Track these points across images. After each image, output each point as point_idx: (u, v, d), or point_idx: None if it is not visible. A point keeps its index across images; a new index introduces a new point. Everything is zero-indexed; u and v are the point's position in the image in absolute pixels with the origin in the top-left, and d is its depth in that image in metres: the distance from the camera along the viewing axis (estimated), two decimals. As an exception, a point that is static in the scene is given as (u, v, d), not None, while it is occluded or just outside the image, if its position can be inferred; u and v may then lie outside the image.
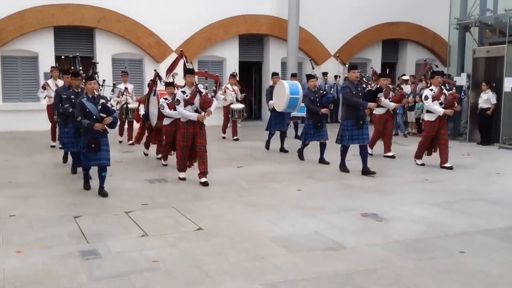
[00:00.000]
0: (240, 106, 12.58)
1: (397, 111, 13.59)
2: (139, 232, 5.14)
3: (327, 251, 4.61)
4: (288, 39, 15.26)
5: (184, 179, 7.50)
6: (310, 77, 9.46)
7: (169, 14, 14.57)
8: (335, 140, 8.30)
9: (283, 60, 15.94)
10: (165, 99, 8.22)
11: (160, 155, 9.21)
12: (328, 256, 4.51)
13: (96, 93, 6.63)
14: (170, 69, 8.78)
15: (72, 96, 7.65)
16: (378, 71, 17.34)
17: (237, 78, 13.44)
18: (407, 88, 13.74)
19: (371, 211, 5.88)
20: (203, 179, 7.23)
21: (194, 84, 7.21)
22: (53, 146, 10.81)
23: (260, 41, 16.64)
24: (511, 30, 12.13)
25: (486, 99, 12.03)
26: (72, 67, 8.71)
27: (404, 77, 14.67)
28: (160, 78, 9.07)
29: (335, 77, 16.60)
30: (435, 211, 6.04)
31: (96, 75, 7.87)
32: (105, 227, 5.34)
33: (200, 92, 7.16)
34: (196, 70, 9.42)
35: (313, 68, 10.36)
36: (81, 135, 7.02)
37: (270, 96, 10.73)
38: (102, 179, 6.62)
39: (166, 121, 8.35)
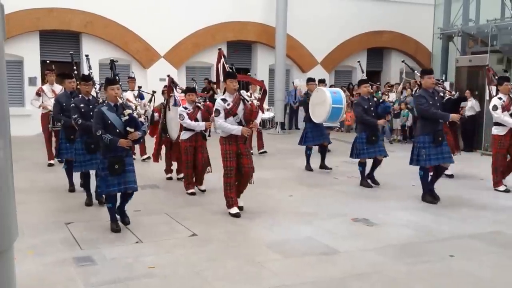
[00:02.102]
0: (270, 115, 11.31)
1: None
2: (133, 238, 5.15)
3: (322, 256, 4.68)
4: (276, 46, 15.40)
5: (238, 215, 5.88)
6: (362, 82, 7.95)
7: (157, 19, 14.57)
8: (409, 161, 6.85)
9: (271, 67, 16.07)
10: (185, 108, 7.00)
11: (181, 175, 7.90)
12: (323, 260, 4.58)
13: (120, 100, 5.31)
14: (218, 74, 7.61)
15: (82, 105, 6.31)
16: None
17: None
18: (392, 96, 13.96)
19: (362, 217, 5.98)
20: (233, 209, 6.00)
21: (237, 90, 5.94)
22: (51, 165, 9.18)
23: (248, 48, 16.75)
24: (493, 40, 12.44)
25: (470, 106, 12.29)
26: (76, 71, 7.67)
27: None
28: (175, 85, 7.94)
29: (320, 81, 16.76)
30: (424, 216, 6.16)
31: (117, 78, 6.66)
32: (98, 234, 5.32)
33: (245, 101, 5.95)
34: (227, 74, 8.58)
35: (362, 71, 8.80)
36: (90, 152, 6.22)
37: (305, 106, 9.29)
38: (123, 203, 5.51)
39: (184, 135, 7.04)
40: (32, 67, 13.89)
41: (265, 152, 10.83)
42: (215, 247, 4.93)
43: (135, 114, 5.30)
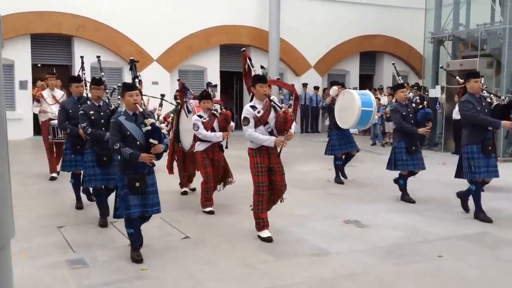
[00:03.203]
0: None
1: (377, 122, 13.95)
2: (125, 241, 5.15)
3: (313, 257, 4.75)
4: (269, 50, 15.50)
5: (270, 239, 5.18)
6: (399, 87, 7.28)
7: (150, 23, 14.59)
8: (457, 175, 6.34)
9: (264, 71, 16.15)
10: (200, 116, 6.31)
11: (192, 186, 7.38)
12: (314, 262, 4.64)
13: (140, 108, 4.59)
14: (246, 77, 6.97)
15: (92, 112, 5.63)
16: (355, 83, 17.83)
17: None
18: (384, 99, 14.08)
19: (353, 219, 6.05)
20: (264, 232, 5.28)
21: (268, 96, 5.23)
22: (53, 178, 8.35)
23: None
24: (483, 44, 12.59)
25: (458, 110, 12.41)
26: (84, 72, 7.05)
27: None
28: (187, 90, 7.27)
29: (315, 88, 16.90)
30: (413, 217, 6.24)
31: (138, 80, 6.17)
32: (91, 237, 5.36)
33: (277, 107, 5.22)
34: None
35: (398, 75, 8.04)
36: (102, 164, 5.57)
37: (330, 111, 8.49)
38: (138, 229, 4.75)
39: (199, 146, 6.36)
40: (23, 71, 13.86)
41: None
42: (207, 249, 4.98)
43: (157, 124, 4.63)
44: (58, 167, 7.97)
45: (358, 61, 18.14)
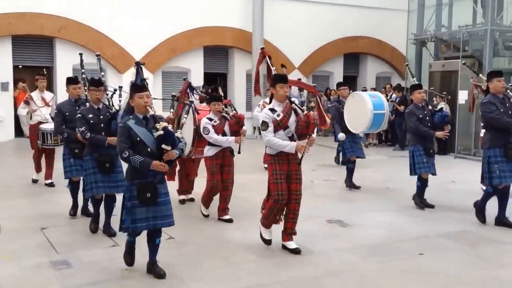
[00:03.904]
0: None
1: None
2: (109, 242, 5.17)
3: (296, 257, 4.79)
4: (253, 52, 15.52)
5: (270, 241, 5.01)
6: (416, 87, 6.84)
7: (133, 24, 14.52)
8: (481, 180, 5.99)
9: (248, 72, 16.18)
10: (210, 119, 5.88)
11: (190, 196, 6.93)
12: (297, 260, 4.69)
13: (151, 111, 4.22)
14: (258, 77, 6.51)
15: (90, 115, 5.23)
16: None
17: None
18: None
19: (336, 218, 6.12)
20: (290, 243, 4.95)
21: (288, 98, 4.87)
22: (35, 181, 8.06)
23: (225, 52, 16.84)
24: (465, 45, 12.81)
25: (441, 110, 12.60)
26: (83, 71, 6.63)
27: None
28: (193, 90, 6.82)
29: (299, 89, 16.96)
30: (394, 217, 6.33)
31: (145, 82, 5.78)
32: (74, 238, 5.35)
33: (299, 110, 4.84)
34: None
35: (413, 76, 7.56)
36: (104, 171, 5.22)
37: (338, 115, 7.91)
38: (154, 248, 4.31)
39: (209, 151, 5.94)
40: (4, 72, 13.68)
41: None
42: (191, 249, 5.00)
43: (170, 128, 4.21)
44: (52, 179, 7.80)
45: (342, 62, 18.26)
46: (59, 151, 6.64)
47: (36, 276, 4.27)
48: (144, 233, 4.28)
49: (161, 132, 4.03)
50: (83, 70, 6.50)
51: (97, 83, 5.37)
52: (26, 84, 10.96)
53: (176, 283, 4.11)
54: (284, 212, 4.94)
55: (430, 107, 6.85)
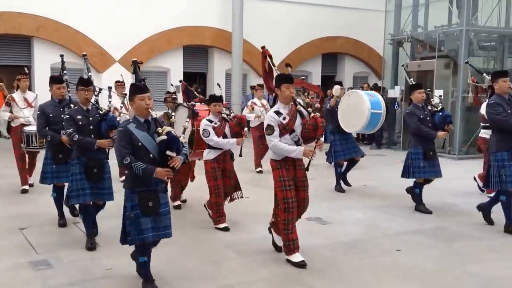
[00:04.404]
0: None
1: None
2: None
3: (277, 254, 4.85)
4: (233, 51, 15.57)
5: (303, 264, 4.50)
6: (415, 87, 6.66)
7: (112, 23, 14.41)
8: (486, 184, 5.88)
9: (228, 72, 16.22)
10: (210, 121, 5.66)
11: (177, 203, 6.59)
12: (278, 258, 4.75)
13: (154, 114, 3.92)
14: (267, 78, 5.87)
15: (79, 116, 4.94)
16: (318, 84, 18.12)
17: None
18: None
19: (315, 216, 6.19)
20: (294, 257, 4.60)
21: (294, 100, 4.60)
22: (25, 191, 7.35)
23: (205, 52, 16.84)
24: (440, 45, 13.05)
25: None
26: (65, 72, 6.28)
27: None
28: (190, 92, 6.57)
29: (251, 87, 17.04)
30: (372, 214, 6.45)
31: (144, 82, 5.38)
32: (54, 238, 5.32)
33: (304, 112, 4.58)
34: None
35: (409, 77, 7.30)
36: (91, 177, 4.91)
37: (332, 114, 7.56)
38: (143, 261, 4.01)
39: (209, 154, 5.68)
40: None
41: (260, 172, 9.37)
42: (173, 248, 4.99)
43: (173, 132, 3.91)
44: (31, 179, 7.52)
45: (320, 62, 18.42)
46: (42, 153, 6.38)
47: (15, 277, 4.24)
48: (105, 234, 4.41)
49: (164, 137, 3.74)
50: (65, 72, 6.20)
51: (87, 83, 5.06)
52: (4, 84, 10.80)
53: (159, 282, 4.11)
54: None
55: (429, 107, 6.64)
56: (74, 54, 14.48)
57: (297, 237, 4.57)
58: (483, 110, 7.12)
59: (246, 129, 5.84)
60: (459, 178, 8.67)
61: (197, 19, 15.58)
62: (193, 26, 15.65)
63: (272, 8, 16.67)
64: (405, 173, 6.56)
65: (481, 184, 7.51)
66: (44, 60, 13.89)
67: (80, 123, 4.93)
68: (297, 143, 4.52)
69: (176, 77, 15.20)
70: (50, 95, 5.89)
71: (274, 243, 4.88)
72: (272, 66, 5.57)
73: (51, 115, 5.66)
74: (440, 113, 6.50)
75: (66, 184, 5.48)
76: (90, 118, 4.99)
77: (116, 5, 14.56)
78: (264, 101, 9.87)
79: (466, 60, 8.47)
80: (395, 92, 14.09)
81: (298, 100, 4.72)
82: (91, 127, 4.96)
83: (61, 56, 6.71)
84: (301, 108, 4.58)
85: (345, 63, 18.89)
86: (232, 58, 15.61)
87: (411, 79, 7.18)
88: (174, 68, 15.81)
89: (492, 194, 6.56)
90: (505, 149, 5.51)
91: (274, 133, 4.44)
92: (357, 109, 7.14)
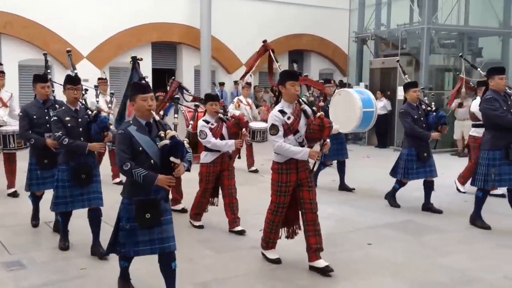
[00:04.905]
0: (262, 125, 9.07)
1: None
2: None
3: (252, 250, 4.94)
4: (201, 48, 15.53)
5: (278, 260, 4.59)
6: (410, 86, 6.46)
7: (80, 20, 14.16)
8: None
9: (197, 68, 16.17)
10: (206, 122, 5.41)
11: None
12: (253, 254, 4.84)
13: (156, 117, 3.61)
14: (250, 66, 5.78)
15: (68, 118, 4.60)
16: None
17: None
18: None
19: (288, 212, 6.30)
20: (319, 262, 4.43)
21: (298, 98, 4.38)
22: (15, 195, 6.94)
23: (173, 49, 16.74)
24: (403, 43, 13.41)
25: (382, 106, 13.15)
26: (49, 71, 5.86)
27: None
28: (184, 90, 6.29)
29: (235, 82, 17.12)
30: (343, 209, 6.62)
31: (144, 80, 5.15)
32: (27, 238, 5.26)
33: (309, 112, 4.37)
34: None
35: (404, 73, 7.10)
36: (79, 183, 4.61)
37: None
38: (171, 276, 3.67)
39: (207, 157, 5.44)
40: None
41: (256, 170, 9.25)
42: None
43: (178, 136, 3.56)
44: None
45: (287, 59, 18.57)
46: (22, 156, 6.09)
47: (-12, 279, 4.18)
48: (79, 234, 4.27)
49: (167, 141, 3.43)
50: (48, 71, 5.82)
51: (75, 81, 4.69)
52: None
53: (134, 280, 4.12)
54: (302, 228, 4.49)
55: (423, 107, 6.45)
56: (41, 51, 14.16)
57: (277, 238, 4.61)
58: (473, 108, 7.19)
59: (244, 129, 5.62)
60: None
61: (165, 16, 15.47)
62: (161, 23, 15.53)
63: (239, 5, 16.70)
64: (397, 173, 6.44)
65: (461, 188, 7.65)
66: (11, 58, 13.54)
67: (69, 125, 4.58)
68: (301, 144, 4.29)
69: (144, 73, 14.94)
70: (34, 95, 5.52)
71: (267, 258, 4.65)
72: (275, 62, 5.23)
73: (34, 116, 5.28)
74: (435, 113, 6.33)
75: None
76: (79, 120, 4.66)
77: (84, 1, 14.34)
78: (250, 100, 9.73)
79: (460, 54, 8.27)
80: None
81: (302, 98, 4.47)
82: (81, 129, 4.64)
83: (45, 54, 6.25)
84: (306, 107, 4.35)
85: (311, 60, 19.11)
86: (200, 54, 15.58)
87: (406, 76, 6.95)
88: (142, 64, 15.35)
89: (496, 192, 6.66)
90: (499, 148, 5.38)
91: (279, 134, 4.22)
92: (349, 109, 6.98)
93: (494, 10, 13.24)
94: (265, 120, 7.61)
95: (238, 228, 5.46)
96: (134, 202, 3.53)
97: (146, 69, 15.52)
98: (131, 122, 3.62)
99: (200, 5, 15.51)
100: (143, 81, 4.71)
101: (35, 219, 5.60)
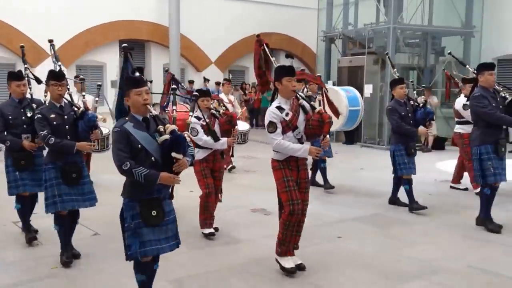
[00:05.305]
0: (245, 127, 8.79)
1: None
2: (33, 241, 5.03)
3: (225, 246, 5.00)
4: (170, 46, 15.48)
5: (294, 270, 4.28)
6: (397, 82, 6.36)
7: (45, 16, 13.91)
8: (472, 179, 5.88)
9: (166, 66, 16.06)
10: (198, 118, 5.17)
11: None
12: (226, 250, 4.89)
13: (153, 111, 3.40)
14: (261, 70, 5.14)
15: (53, 115, 4.33)
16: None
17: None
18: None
19: (260, 207, 6.40)
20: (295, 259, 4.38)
21: (296, 94, 4.22)
22: None
23: (142, 47, 16.59)
24: (370, 42, 13.66)
25: (350, 104, 13.37)
26: (26, 66, 5.41)
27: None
28: (178, 84, 5.97)
29: (216, 84, 17.13)
30: (314, 203, 6.58)
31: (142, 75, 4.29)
32: (-5, 238, 5.16)
33: (308, 107, 4.22)
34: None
35: (393, 67, 6.96)
36: (69, 183, 4.36)
37: None
38: (151, 274, 3.60)
39: (198, 154, 5.21)
40: None
41: (233, 167, 8.99)
42: (118, 245, 4.84)
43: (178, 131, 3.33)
44: None
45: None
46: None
47: (-44, 280, 4.09)
48: (48, 233, 4.08)
49: (167, 136, 3.23)
50: (26, 66, 5.35)
51: (59, 76, 4.41)
52: None
53: (105, 278, 4.13)
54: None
55: (411, 103, 6.38)
56: (5, 49, 13.92)
57: (293, 241, 4.32)
58: (457, 105, 7.23)
59: (237, 127, 5.32)
60: (389, 167, 9.14)
61: (133, 13, 15.35)
62: (129, 20, 15.41)
63: (208, 3, 16.72)
64: (397, 171, 6.37)
65: (459, 186, 7.59)
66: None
67: (54, 123, 4.30)
68: (300, 141, 4.15)
69: (112, 71, 14.91)
70: (9, 94, 5.14)
71: (282, 268, 4.31)
72: (270, 57, 4.95)
73: (10, 117, 4.90)
74: (422, 109, 6.29)
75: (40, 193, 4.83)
76: (65, 117, 4.38)
77: (50, -1, 14.08)
78: (232, 97, 9.42)
79: (449, 51, 8.21)
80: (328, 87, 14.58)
81: (300, 93, 4.26)
82: (67, 127, 4.37)
83: (21, 47, 5.77)
84: (304, 102, 4.21)
85: (280, 58, 19.09)
86: (169, 53, 15.51)
87: (395, 70, 6.86)
88: (111, 62, 15.49)
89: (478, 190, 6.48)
90: (489, 143, 5.34)
91: (277, 131, 4.07)
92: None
93: (456, 10, 13.63)
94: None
95: (208, 231, 5.30)
96: (137, 201, 3.32)
97: (114, 67, 15.41)
98: (127, 118, 3.37)
99: (168, 3, 15.44)
100: (137, 73, 4.20)
101: (29, 232, 5.07)
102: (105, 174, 7.20)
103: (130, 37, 15.63)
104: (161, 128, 3.27)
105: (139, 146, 3.28)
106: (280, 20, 18.07)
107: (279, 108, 4.12)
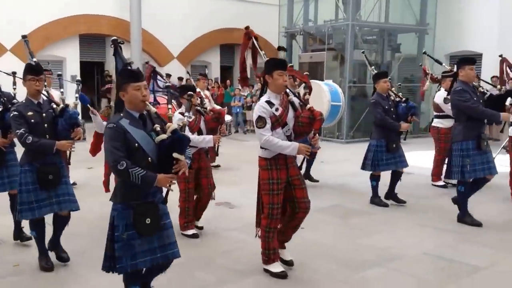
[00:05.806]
0: (227, 117, 8.45)
1: (238, 110, 14.71)
2: (-8, 237, 4.97)
3: (191, 239, 5.08)
4: (131, 41, 15.32)
5: (284, 274, 4.15)
6: (380, 76, 6.31)
7: (3, 10, 13.52)
8: (447, 175, 5.68)
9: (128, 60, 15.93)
10: (182, 114, 4.96)
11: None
12: (192, 242, 4.98)
13: (152, 109, 3.20)
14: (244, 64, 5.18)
15: (30, 113, 4.05)
16: (217, 74, 18.39)
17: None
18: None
19: (224, 201, 6.50)
20: (284, 252, 4.37)
21: (286, 89, 4.05)
22: None
23: (102, 41, 16.34)
24: (329, 38, 13.94)
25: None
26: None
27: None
28: (158, 76, 5.80)
29: (179, 79, 17.07)
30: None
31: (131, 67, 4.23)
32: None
33: (296, 103, 4.07)
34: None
35: (370, 65, 6.93)
36: (46, 186, 4.09)
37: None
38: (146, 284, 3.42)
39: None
40: None
41: (218, 166, 8.75)
42: (84, 241, 4.97)
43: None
44: None
45: (218, 53, 18.71)
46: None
47: None
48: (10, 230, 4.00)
49: (164, 136, 3.06)
50: (34, 59, 4.99)
51: (37, 71, 4.11)
52: None
53: (69, 274, 4.14)
54: (285, 221, 4.24)
55: (392, 97, 6.33)
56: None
57: (277, 247, 4.21)
58: (437, 99, 7.25)
59: (224, 125, 5.02)
60: (348, 160, 9.46)
61: (93, 7, 15.11)
62: (89, 15, 15.17)
63: (170, -1, 16.62)
64: (367, 166, 6.28)
65: (439, 183, 7.43)
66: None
67: (32, 120, 4.02)
68: (289, 138, 3.99)
69: (72, 66, 14.67)
70: None
71: (272, 273, 4.17)
72: (259, 50, 4.83)
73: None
74: (404, 104, 6.22)
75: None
76: (44, 114, 4.11)
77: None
78: (207, 92, 9.12)
79: (424, 51, 8.16)
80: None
81: (288, 90, 4.12)
82: (46, 125, 4.09)
83: (24, 37, 5.57)
84: (294, 99, 4.06)
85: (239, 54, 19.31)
86: (131, 48, 15.36)
87: (373, 67, 6.80)
88: (70, 57, 15.23)
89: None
90: (471, 138, 5.32)
91: (266, 126, 3.88)
92: (316, 101, 6.62)
93: (411, 8, 14.09)
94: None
95: (191, 232, 5.19)
96: (131, 206, 3.07)
97: (74, 62, 15.16)
98: (122, 114, 3.13)
99: (129, -3, 15.28)
100: (130, 67, 4.03)
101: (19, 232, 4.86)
102: (81, 168, 7.08)
103: (90, 31, 15.42)
104: (157, 127, 3.10)
105: (136, 145, 3.04)
106: (242, 16, 18.07)
107: (269, 102, 3.95)
